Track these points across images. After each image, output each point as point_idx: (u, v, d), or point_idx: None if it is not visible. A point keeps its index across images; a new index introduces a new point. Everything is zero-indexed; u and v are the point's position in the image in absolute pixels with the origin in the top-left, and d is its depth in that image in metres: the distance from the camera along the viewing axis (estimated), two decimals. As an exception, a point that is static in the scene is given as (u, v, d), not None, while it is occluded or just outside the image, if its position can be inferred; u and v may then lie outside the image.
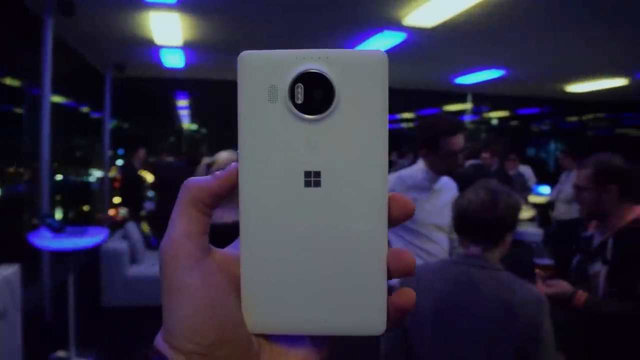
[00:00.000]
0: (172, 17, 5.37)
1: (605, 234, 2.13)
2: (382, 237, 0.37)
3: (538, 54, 7.05)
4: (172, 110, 13.80)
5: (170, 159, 7.88)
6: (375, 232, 0.37)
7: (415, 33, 5.83)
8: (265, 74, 0.37)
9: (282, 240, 0.37)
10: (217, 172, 0.39)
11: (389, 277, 0.38)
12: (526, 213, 6.22)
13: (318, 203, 0.37)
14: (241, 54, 0.37)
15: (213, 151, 3.17)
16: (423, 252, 2.52)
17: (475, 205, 1.71)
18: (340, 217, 0.37)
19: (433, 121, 2.64)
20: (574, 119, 12.88)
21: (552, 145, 12.14)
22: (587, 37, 6.05)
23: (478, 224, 1.69)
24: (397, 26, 5.60)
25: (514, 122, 12.88)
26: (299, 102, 0.36)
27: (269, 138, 0.37)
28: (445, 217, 2.48)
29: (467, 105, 11.12)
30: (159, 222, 6.10)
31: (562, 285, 2.05)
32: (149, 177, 7.37)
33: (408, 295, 0.38)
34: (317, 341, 0.40)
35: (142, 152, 6.99)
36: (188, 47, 6.97)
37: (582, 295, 2.01)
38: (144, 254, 5.57)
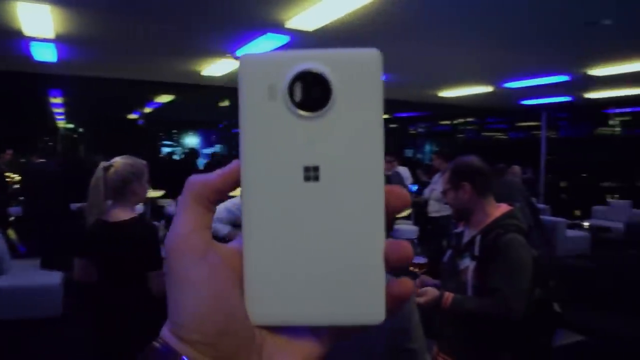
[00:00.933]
0: (42, 8, 5.06)
1: (475, 229, 2.26)
2: (380, 229, 0.38)
3: (416, 62, 7.44)
4: (46, 108, 12.95)
5: (41, 160, 7.39)
6: (373, 223, 0.38)
7: (298, 36, 5.95)
8: (264, 74, 0.38)
9: (283, 234, 0.38)
10: (220, 169, 0.40)
11: (387, 267, 0.38)
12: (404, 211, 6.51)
13: (317, 197, 0.38)
14: (242, 55, 0.38)
15: (90, 152, 3.04)
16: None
17: None
18: (339, 210, 0.38)
19: None
20: (446, 122, 13.70)
21: (428, 147, 12.83)
22: (459, 47, 6.49)
23: None
24: (280, 29, 5.69)
25: (393, 125, 13.45)
26: (298, 100, 0.37)
27: (269, 135, 0.38)
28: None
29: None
30: (28, 227, 5.72)
31: (430, 293, 2.16)
32: (16, 180, 6.86)
33: (405, 284, 0.39)
34: (318, 332, 0.40)
35: (9, 153, 6.50)
36: (61, 42, 6.59)
37: (448, 297, 2.13)
38: (11, 264, 5.16)
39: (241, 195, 0.39)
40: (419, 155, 12.86)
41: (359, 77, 0.38)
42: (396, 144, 11.61)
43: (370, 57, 0.38)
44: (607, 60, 7.21)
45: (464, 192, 2.27)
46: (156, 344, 0.38)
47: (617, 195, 10.56)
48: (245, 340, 0.38)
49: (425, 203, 6.91)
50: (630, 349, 3.85)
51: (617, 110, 12.07)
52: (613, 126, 12.42)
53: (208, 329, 0.37)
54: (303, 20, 5.32)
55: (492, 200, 2.29)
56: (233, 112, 10.77)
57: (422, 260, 2.47)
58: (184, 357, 0.37)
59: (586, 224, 9.14)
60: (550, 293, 2.20)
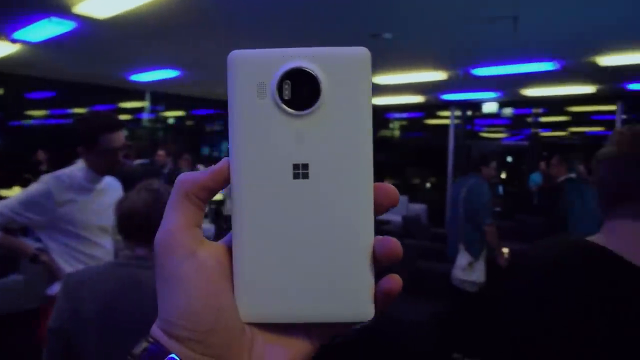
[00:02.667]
0: None
1: None
2: (369, 226, 0.38)
3: (210, 58, 7.38)
4: None
5: None
6: (362, 221, 0.38)
7: (87, 23, 5.50)
8: (254, 71, 0.38)
9: (272, 231, 0.38)
10: (210, 167, 0.39)
11: (376, 264, 0.38)
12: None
13: (306, 194, 0.38)
14: (231, 52, 0.38)
15: None
16: (86, 256, 2.39)
17: (138, 206, 1.70)
18: (328, 207, 0.38)
19: (90, 117, 2.53)
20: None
21: (224, 145, 12.84)
22: (251, 45, 6.57)
23: (142, 225, 1.68)
24: (66, 13, 5.20)
25: (189, 122, 13.22)
26: (287, 98, 0.37)
27: (258, 133, 0.38)
28: (110, 218, 2.40)
29: (145, 104, 10.98)
30: None
31: None
32: None
33: (394, 280, 0.38)
34: (308, 330, 0.40)
35: None
36: None
37: None
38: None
39: (230, 193, 0.39)
40: (215, 153, 12.81)
41: (348, 75, 0.38)
42: (193, 141, 11.42)
43: (359, 56, 0.38)
44: (388, 70, 7.93)
45: None
46: (146, 341, 0.38)
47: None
48: (236, 337, 0.38)
49: (223, 201, 6.91)
50: (409, 331, 4.28)
51: (397, 115, 13.35)
52: (393, 129, 13.70)
53: (198, 326, 0.37)
54: (93, 6, 4.90)
55: None
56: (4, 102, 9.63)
57: None
58: (174, 355, 0.37)
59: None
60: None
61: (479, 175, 4.63)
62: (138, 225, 1.69)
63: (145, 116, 11.25)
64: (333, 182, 0.38)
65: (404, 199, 10.36)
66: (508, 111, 10.61)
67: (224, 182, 0.39)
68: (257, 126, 0.38)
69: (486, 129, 12.76)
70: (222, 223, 6.57)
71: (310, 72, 0.38)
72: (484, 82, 8.43)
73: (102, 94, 10.15)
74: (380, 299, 0.39)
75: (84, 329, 1.58)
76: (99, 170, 2.41)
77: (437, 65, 7.49)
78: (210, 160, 11.30)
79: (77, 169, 2.40)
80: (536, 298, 1.03)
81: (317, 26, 5.68)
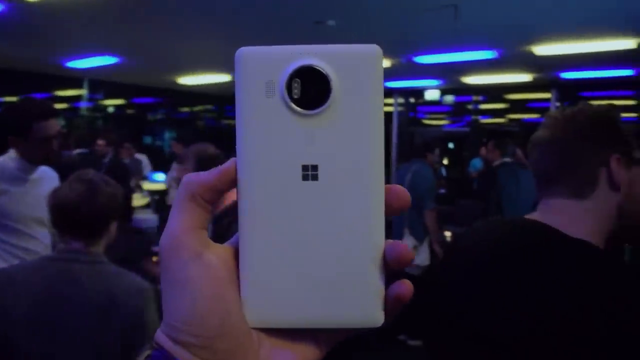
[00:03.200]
0: None
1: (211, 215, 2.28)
2: (379, 230, 0.37)
3: (151, 45, 7.19)
4: None
5: None
6: (372, 224, 0.37)
7: (17, 6, 5.25)
8: (262, 69, 0.37)
9: (280, 234, 0.37)
10: (216, 167, 0.38)
11: (386, 269, 0.38)
12: (141, 200, 6.31)
13: (316, 196, 0.37)
14: (239, 50, 0.37)
15: None
16: (21, 250, 2.30)
17: (71, 198, 1.63)
18: (338, 210, 0.37)
19: (22, 105, 2.42)
20: (186, 109, 13.62)
21: (167, 134, 12.60)
22: (196, 33, 6.46)
23: (77, 218, 1.62)
24: (-7, -5, 4.95)
25: (130, 111, 12.86)
26: (296, 96, 0.36)
27: (266, 132, 0.37)
28: (46, 209, 2.31)
29: (82, 92, 10.60)
30: None
31: None
32: None
33: (405, 285, 0.37)
34: (316, 335, 0.39)
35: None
36: None
37: None
38: None
39: (237, 195, 0.38)
40: (158, 142, 12.54)
41: (359, 73, 0.37)
42: (134, 131, 11.12)
43: (370, 53, 0.37)
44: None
45: None
46: (150, 347, 0.37)
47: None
48: (242, 342, 0.37)
49: (167, 191, 6.78)
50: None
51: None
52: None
53: (204, 331, 0.36)
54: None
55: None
56: None
57: (157, 249, 2.43)
58: None
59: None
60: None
61: (423, 162, 4.73)
62: (71, 217, 1.63)
63: (84, 105, 10.87)
64: (343, 184, 0.37)
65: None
66: (449, 98, 10.87)
67: (231, 183, 0.38)
68: (265, 126, 0.37)
69: (428, 116, 13.00)
70: (165, 213, 6.44)
71: (321, 70, 0.37)
72: (426, 70, 8.57)
73: (36, 82, 9.73)
74: (391, 304, 0.38)
75: (14, 329, 1.52)
76: (32, 159, 2.31)
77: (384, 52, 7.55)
78: (153, 150, 11.06)
79: (10, 158, 2.30)
80: (481, 278, 1.05)
81: (260, 13, 5.61)
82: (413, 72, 8.96)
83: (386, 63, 7.91)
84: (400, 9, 5.29)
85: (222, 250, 0.39)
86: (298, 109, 0.37)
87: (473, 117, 11.70)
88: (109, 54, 7.92)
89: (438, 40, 6.71)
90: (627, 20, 5.64)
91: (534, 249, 1.02)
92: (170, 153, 7.21)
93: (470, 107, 11.82)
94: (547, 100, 9.96)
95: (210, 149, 2.38)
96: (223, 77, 9.69)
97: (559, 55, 7.02)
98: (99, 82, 10.60)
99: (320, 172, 0.37)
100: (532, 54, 7.06)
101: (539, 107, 11.08)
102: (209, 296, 0.36)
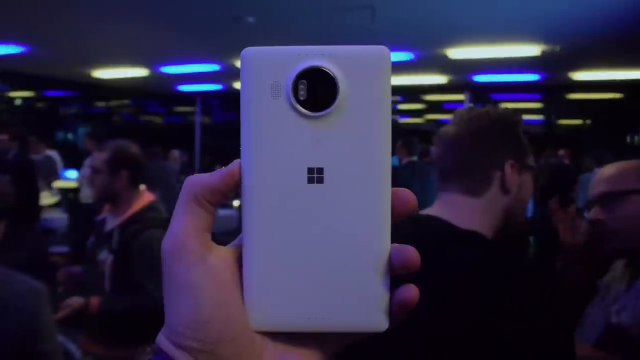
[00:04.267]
0: None
1: (117, 219, 2.20)
2: (386, 233, 0.37)
3: (62, 34, 6.87)
4: None
5: None
6: (379, 228, 0.37)
7: None
8: (268, 70, 0.36)
9: (284, 238, 0.37)
10: (220, 169, 0.37)
11: (392, 273, 0.37)
12: (49, 199, 6.04)
13: (321, 199, 0.36)
14: (244, 50, 0.36)
15: None
16: None
17: None
18: (343, 213, 0.36)
19: None
20: (102, 103, 13.13)
21: (81, 129, 12.08)
22: (111, 24, 6.23)
23: None
24: None
25: (40, 104, 12.24)
26: (302, 98, 0.36)
27: (271, 134, 0.36)
28: None
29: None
30: None
31: (72, 304, 2.01)
32: None
33: (411, 290, 0.37)
34: (320, 339, 0.39)
35: None
36: None
37: (94, 303, 2.03)
38: None
39: (242, 197, 0.37)
40: (70, 137, 12.00)
41: (366, 75, 0.36)
42: (45, 125, 10.60)
43: (378, 55, 0.37)
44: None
45: (120, 180, 2.19)
46: (152, 351, 0.37)
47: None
48: (245, 347, 0.37)
49: (79, 189, 6.51)
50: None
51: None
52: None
53: (206, 335, 0.35)
54: None
55: (140, 190, 2.27)
56: None
57: (62, 249, 2.34)
58: None
59: (236, 203, 9.95)
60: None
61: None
62: None
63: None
64: (349, 188, 0.37)
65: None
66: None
67: (235, 185, 0.38)
68: (270, 128, 0.37)
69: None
70: (77, 213, 6.19)
71: (328, 71, 0.36)
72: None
73: None
74: (396, 309, 0.37)
75: None
76: None
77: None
78: (67, 146, 10.57)
79: None
80: None
81: (177, 6, 5.50)
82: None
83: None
84: (318, 8, 5.34)
85: (225, 253, 0.38)
86: (304, 110, 0.36)
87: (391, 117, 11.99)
88: (15, 43, 7.50)
89: (356, 41, 6.74)
90: (532, 29, 5.98)
91: (427, 241, 1.06)
92: (83, 149, 6.92)
93: (395, 106, 12.09)
94: (461, 101, 10.37)
95: (132, 147, 2.30)
96: (140, 71, 9.42)
97: (471, 59, 7.33)
98: (4, 73, 10.00)
99: (325, 175, 0.37)
100: (446, 57, 7.33)
101: (454, 107, 11.52)
102: (212, 300, 0.36)
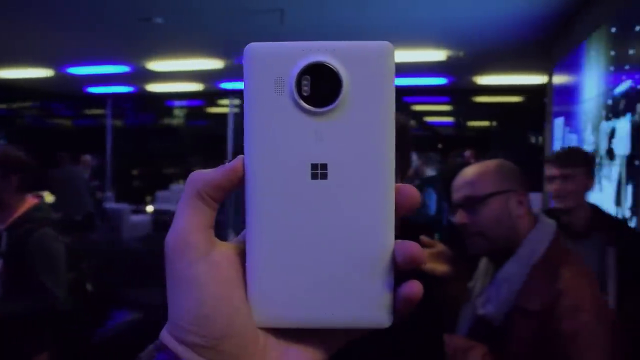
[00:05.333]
0: None
1: (1, 224, 2.13)
2: (389, 229, 0.37)
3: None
4: None
5: None
6: (382, 223, 0.36)
7: None
8: (271, 65, 0.36)
9: (288, 233, 0.37)
10: (223, 165, 0.37)
11: (396, 269, 0.37)
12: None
13: (324, 195, 0.36)
14: (248, 45, 0.36)
15: None
16: None
17: None
18: (347, 209, 0.36)
19: None
20: (3, 106, 12.44)
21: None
22: (13, 23, 5.94)
23: None
24: None
25: None
26: (306, 94, 0.36)
27: (275, 130, 0.36)
28: None
29: None
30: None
31: None
32: None
33: (415, 286, 0.36)
34: (323, 335, 0.39)
35: None
36: None
37: None
38: None
39: (245, 193, 0.37)
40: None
41: (370, 71, 0.36)
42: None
43: (382, 50, 0.36)
44: (163, 56, 7.75)
45: (10, 185, 2.12)
46: (155, 347, 0.37)
47: (181, 181, 11.61)
48: (248, 342, 0.36)
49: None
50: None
51: (179, 103, 13.12)
52: (178, 117, 13.46)
53: (210, 331, 0.35)
54: None
55: (25, 195, 2.21)
56: None
57: None
58: None
59: (150, 208, 9.71)
60: (82, 275, 2.28)
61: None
62: None
63: None
64: (352, 183, 0.36)
65: (180, 187, 10.26)
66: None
67: (238, 181, 0.37)
68: (273, 123, 0.36)
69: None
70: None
71: (331, 67, 0.36)
72: (260, 72, 8.67)
73: None
74: (400, 304, 0.37)
75: None
76: None
77: (211, 53, 7.53)
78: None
79: None
80: None
81: (83, 6, 5.32)
82: (248, 74, 9.01)
83: (219, 63, 7.95)
84: (227, 9, 5.32)
85: (228, 249, 0.38)
86: (307, 106, 0.36)
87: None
88: None
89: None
90: (438, 35, 6.24)
91: None
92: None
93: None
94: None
95: (19, 152, 2.22)
96: (45, 72, 9.00)
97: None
98: None
99: (329, 171, 0.36)
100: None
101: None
102: (216, 296, 0.36)
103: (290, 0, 4.95)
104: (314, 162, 0.37)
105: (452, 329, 1.52)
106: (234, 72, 8.39)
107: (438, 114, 14.28)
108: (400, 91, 10.79)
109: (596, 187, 3.68)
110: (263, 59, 0.37)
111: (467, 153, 8.33)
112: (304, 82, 0.36)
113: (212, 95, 12.23)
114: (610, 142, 3.79)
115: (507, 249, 1.40)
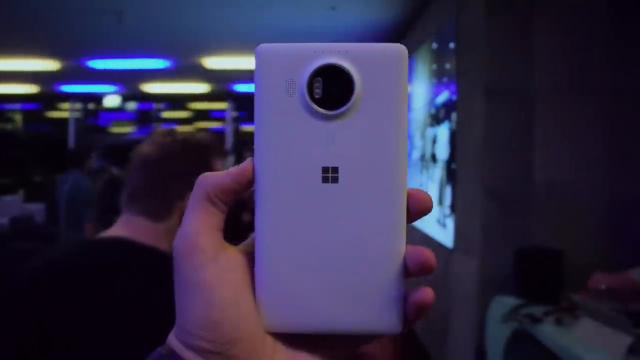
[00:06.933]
0: None
1: None
2: (401, 234, 0.36)
3: None
4: None
5: None
6: (394, 229, 0.36)
7: None
8: (283, 67, 0.36)
9: (298, 237, 0.36)
10: (233, 167, 0.37)
11: (407, 275, 0.36)
12: None
13: (335, 199, 0.36)
14: (259, 46, 0.36)
15: None
16: None
17: None
18: (358, 213, 0.36)
19: None
20: None
21: None
22: None
23: None
24: None
25: None
26: (317, 96, 0.35)
27: (285, 133, 0.36)
28: None
29: None
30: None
31: None
32: None
33: (426, 293, 0.36)
34: (333, 341, 0.38)
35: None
36: None
37: None
38: None
39: (255, 196, 0.37)
40: None
41: (383, 73, 0.36)
42: None
43: (395, 53, 0.36)
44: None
45: None
46: (162, 352, 0.36)
47: (20, 192, 10.66)
48: (257, 347, 0.36)
49: None
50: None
51: (14, 107, 12.08)
52: (14, 121, 12.38)
53: (217, 335, 0.35)
54: None
55: None
56: None
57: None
58: None
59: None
60: None
61: (79, 171, 4.55)
62: None
63: None
64: (364, 187, 0.36)
65: (17, 198, 9.43)
66: (131, 105, 10.71)
67: (248, 183, 0.37)
68: (284, 126, 0.36)
69: (113, 123, 12.60)
70: None
71: (344, 69, 0.35)
72: (101, 75, 8.27)
73: None
74: (411, 311, 0.37)
75: None
76: None
77: (47, 53, 7.03)
78: None
79: None
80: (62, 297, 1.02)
81: None
82: (89, 77, 8.56)
83: (55, 65, 7.43)
84: (63, 9, 5.01)
85: (237, 253, 0.38)
86: (319, 108, 0.36)
87: (155, 124, 11.78)
88: None
89: (106, 46, 6.54)
90: (289, 41, 6.34)
91: (110, 262, 1.05)
92: None
93: (159, 114, 11.85)
94: (225, 110, 10.58)
95: None
96: None
97: (228, 69, 7.52)
98: None
99: (340, 175, 0.36)
100: (202, 66, 7.41)
101: (221, 116, 11.72)
102: (224, 300, 0.35)
103: (129, 2, 4.78)
104: (325, 165, 0.36)
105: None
106: (72, 74, 7.90)
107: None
108: (250, 97, 10.86)
109: (425, 188, 4.00)
110: (274, 60, 0.36)
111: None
112: (316, 84, 0.36)
113: (50, 99, 11.39)
114: (433, 147, 4.14)
115: None
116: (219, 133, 11.35)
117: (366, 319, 0.37)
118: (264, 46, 0.37)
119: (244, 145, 6.71)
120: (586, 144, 2.96)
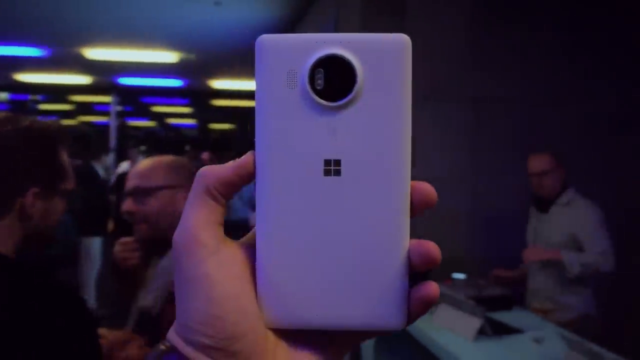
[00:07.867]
0: None
1: None
2: (404, 228, 0.35)
3: None
4: None
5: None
6: (397, 222, 0.35)
7: None
8: (284, 58, 0.35)
9: (300, 231, 0.35)
10: (234, 160, 0.36)
11: (411, 269, 0.36)
12: None
13: (338, 192, 0.35)
14: (259, 37, 0.35)
15: None
16: None
17: None
18: (361, 206, 0.35)
19: None
20: None
21: None
22: None
23: None
24: None
25: None
26: (319, 87, 0.34)
27: (287, 125, 0.35)
28: None
29: None
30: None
31: None
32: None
33: (431, 287, 0.35)
34: (335, 336, 0.38)
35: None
36: None
37: None
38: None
39: (256, 189, 0.36)
40: None
41: (386, 64, 0.35)
42: None
43: (398, 43, 0.35)
44: None
45: None
46: (162, 347, 0.36)
47: None
48: (258, 343, 0.35)
49: None
50: None
51: None
52: None
53: (218, 331, 0.34)
54: None
55: None
56: None
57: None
58: None
59: None
60: None
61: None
62: None
63: None
64: (367, 180, 0.35)
65: None
66: (3, 96, 10.02)
67: (249, 176, 0.36)
68: (285, 118, 0.35)
69: (-17, 113, 11.69)
70: None
71: (345, 59, 0.34)
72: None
73: None
74: (415, 306, 0.36)
75: None
76: None
77: None
78: None
79: None
80: None
81: None
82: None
83: None
84: None
85: (238, 247, 0.37)
86: (321, 100, 0.34)
87: (31, 117, 11.08)
88: None
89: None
90: (168, 36, 6.25)
91: None
92: None
93: (35, 106, 11.14)
94: (109, 103, 10.18)
95: None
96: None
97: (112, 60, 7.26)
98: None
99: (343, 167, 0.35)
100: (83, 57, 7.10)
101: (105, 110, 11.27)
102: (225, 295, 0.34)
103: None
104: (327, 157, 0.35)
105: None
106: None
107: (180, 116, 14.28)
108: (136, 91, 10.55)
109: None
110: (274, 51, 0.35)
111: (205, 155, 8.53)
112: (317, 75, 0.35)
113: None
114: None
115: (168, 240, 1.48)
116: (103, 127, 10.92)
117: (369, 314, 0.36)
118: (265, 37, 0.36)
119: (130, 141, 6.42)
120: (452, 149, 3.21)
